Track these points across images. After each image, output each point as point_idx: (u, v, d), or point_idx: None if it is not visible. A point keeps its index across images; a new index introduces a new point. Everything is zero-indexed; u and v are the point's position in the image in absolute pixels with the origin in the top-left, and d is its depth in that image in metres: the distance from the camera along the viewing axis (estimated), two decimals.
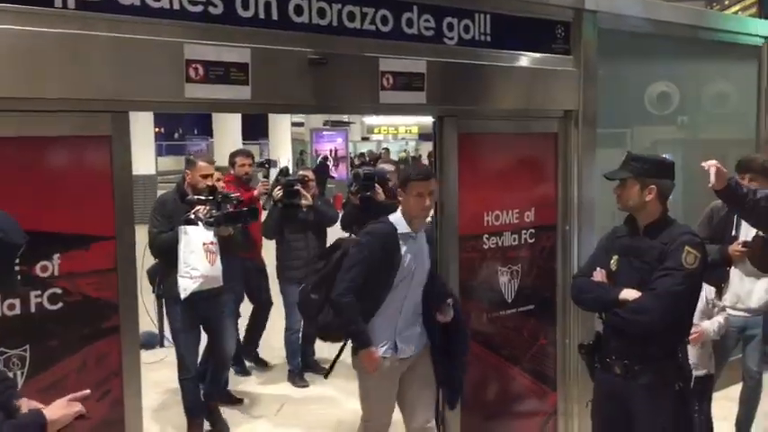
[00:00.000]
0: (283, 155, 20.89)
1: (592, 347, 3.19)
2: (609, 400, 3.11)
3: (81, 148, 2.71)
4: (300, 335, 5.65)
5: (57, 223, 2.64)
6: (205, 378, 4.70)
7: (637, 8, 4.43)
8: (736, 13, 8.11)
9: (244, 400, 5.23)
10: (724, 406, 4.27)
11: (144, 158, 15.08)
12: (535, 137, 4.09)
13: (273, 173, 7.07)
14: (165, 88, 2.81)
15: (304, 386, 5.54)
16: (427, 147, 24.39)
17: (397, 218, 3.36)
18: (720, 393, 4.27)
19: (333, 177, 20.92)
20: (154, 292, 4.38)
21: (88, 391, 2.26)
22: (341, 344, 3.51)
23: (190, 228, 4.15)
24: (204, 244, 4.16)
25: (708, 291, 3.69)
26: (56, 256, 2.65)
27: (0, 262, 2.09)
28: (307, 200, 5.33)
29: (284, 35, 3.07)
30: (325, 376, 3.74)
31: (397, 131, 30.19)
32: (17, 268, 2.43)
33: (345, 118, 25.08)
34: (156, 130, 20.99)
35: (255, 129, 23.34)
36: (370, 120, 28.97)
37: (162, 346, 4.59)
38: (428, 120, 3.80)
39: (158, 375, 5.08)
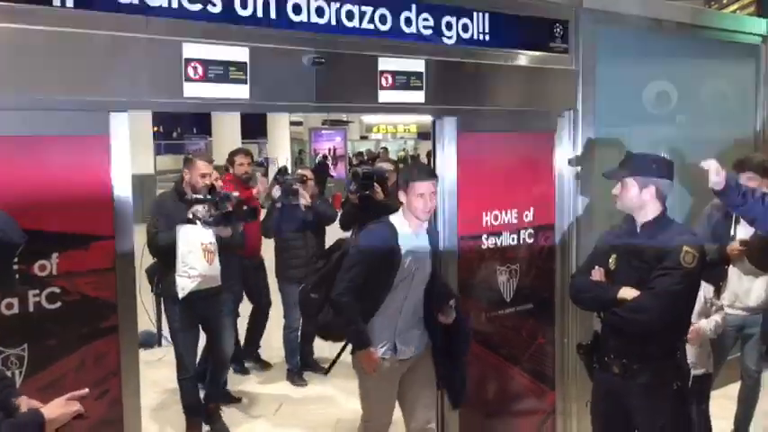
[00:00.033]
0: (282, 154, 20.90)
1: (590, 347, 3.19)
2: (607, 400, 3.12)
3: (79, 148, 2.70)
4: (299, 334, 5.65)
5: (55, 222, 2.64)
6: (204, 377, 4.71)
7: (635, 7, 4.43)
8: (734, 11, 8.11)
9: (242, 400, 5.23)
10: (722, 405, 4.28)
11: (142, 158, 15.08)
12: (533, 136, 4.09)
13: (272, 171, 7.07)
14: (163, 87, 2.81)
15: (303, 385, 5.54)
16: (426, 146, 24.38)
17: (397, 218, 3.35)
18: (719, 392, 4.27)
19: (332, 176, 20.93)
20: (152, 291, 4.39)
21: (86, 390, 2.26)
22: (342, 343, 3.51)
23: (188, 227, 4.15)
24: (202, 243, 4.16)
25: (706, 290, 3.69)
26: (54, 255, 2.65)
27: None
28: (305, 199, 5.32)
29: (283, 34, 3.07)
30: (326, 372, 3.74)
31: (396, 130, 30.17)
32: (15, 267, 2.43)
33: (344, 117, 25.07)
34: (155, 129, 21.00)
35: (254, 128, 23.35)
36: (369, 119, 28.95)
37: (160, 345, 4.58)
38: (427, 119, 3.80)
39: (157, 375, 5.08)
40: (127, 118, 2.78)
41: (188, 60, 2.82)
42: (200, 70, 2.85)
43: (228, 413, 4.84)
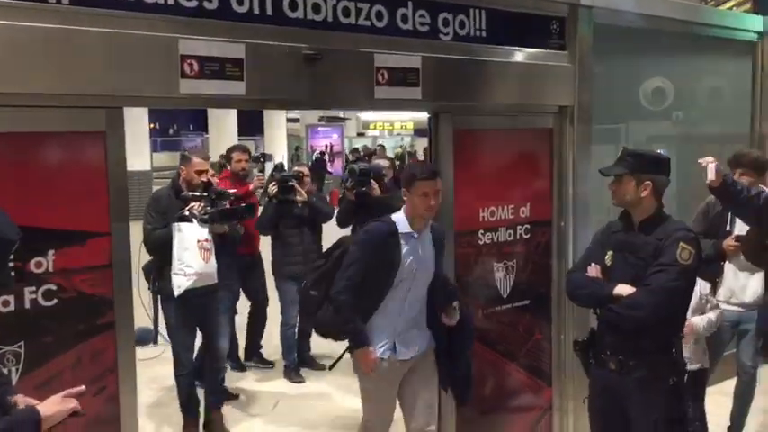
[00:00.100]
0: (278, 151, 20.87)
1: (586, 343, 3.19)
2: (604, 396, 3.12)
3: (75, 144, 2.70)
4: (296, 330, 5.65)
5: (51, 219, 2.64)
6: (200, 374, 4.67)
7: (632, 3, 4.44)
8: (730, 8, 8.11)
9: (239, 396, 5.23)
10: (718, 400, 4.29)
11: (139, 154, 15.07)
12: (530, 132, 4.09)
13: (269, 167, 7.07)
14: (159, 84, 2.80)
15: (300, 382, 5.54)
16: (422, 143, 24.35)
17: (399, 217, 3.30)
18: (715, 388, 4.28)
19: (330, 173, 20.94)
20: (149, 288, 4.38)
21: (83, 387, 2.26)
22: (347, 341, 3.48)
23: (184, 225, 4.13)
24: (198, 241, 4.14)
25: (702, 287, 3.70)
26: (50, 252, 2.64)
27: None
28: (301, 196, 5.32)
29: (279, 30, 3.07)
30: (330, 368, 3.70)
31: (393, 127, 30.15)
32: (11, 264, 2.43)
33: (341, 114, 25.06)
34: (151, 125, 20.95)
35: (251, 125, 23.32)
36: (366, 115, 28.92)
37: (156, 342, 4.58)
38: (423, 116, 3.80)
39: (155, 372, 5.07)
40: (123, 114, 2.77)
41: (184, 57, 2.81)
42: (195, 67, 2.83)
43: (226, 410, 4.83)
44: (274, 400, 5.21)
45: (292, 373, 5.60)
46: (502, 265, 3.99)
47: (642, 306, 2.85)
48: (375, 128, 30.00)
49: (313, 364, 5.77)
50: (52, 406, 2.13)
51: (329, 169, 21.68)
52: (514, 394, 4.13)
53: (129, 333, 2.87)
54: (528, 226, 4.08)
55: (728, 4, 8.18)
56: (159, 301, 4.39)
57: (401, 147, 27.43)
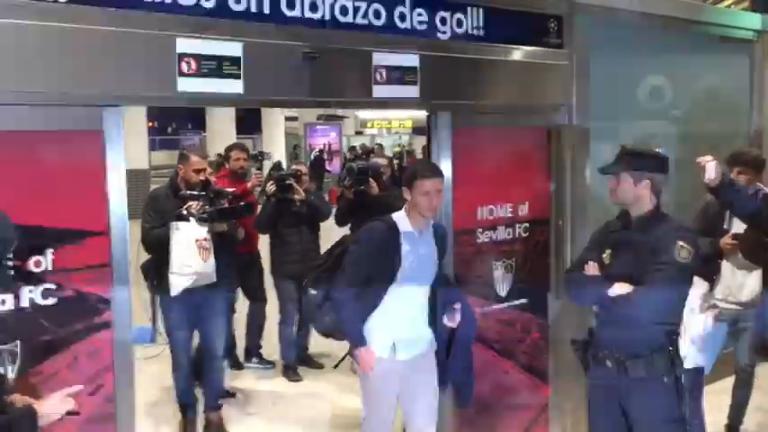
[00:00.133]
0: (277, 149, 20.87)
1: (584, 342, 3.20)
2: (602, 395, 3.12)
3: (73, 143, 2.69)
4: (295, 329, 5.65)
5: (49, 218, 2.63)
6: (197, 374, 4.65)
7: (629, 2, 4.44)
8: (728, 6, 8.11)
9: (237, 395, 5.23)
10: (716, 399, 4.29)
11: (137, 153, 15.06)
12: (528, 131, 4.10)
13: (267, 165, 7.06)
14: (157, 82, 2.80)
15: (298, 380, 5.54)
16: (421, 141, 24.37)
17: (400, 215, 3.27)
18: (712, 386, 4.28)
19: (329, 171, 20.95)
20: (148, 287, 4.37)
21: (80, 386, 2.26)
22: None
23: (182, 224, 4.11)
24: (197, 240, 4.12)
25: (699, 286, 3.70)
26: (49, 251, 2.64)
27: None
28: (299, 194, 5.32)
29: (277, 29, 3.06)
30: (335, 367, 3.69)
31: (391, 126, 30.15)
32: (10, 264, 2.42)
33: (339, 112, 25.05)
34: (150, 124, 20.92)
35: (249, 123, 23.32)
36: (364, 114, 28.92)
37: (153, 341, 4.57)
38: (422, 114, 3.80)
39: (154, 371, 5.07)
40: (121, 113, 2.77)
41: (181, 55, 2.81)
42: (193, 65, 2.84)
43: (223, 409, 4.83)
44: (272, 399, 5.21)
45: (290, 372, 5.59)
46: (500, 264, 3.99)
47: (640, 305, 2.85)
48: (373, 126, 30.00)
49: (311, 362, 5.77)
50: (49, 405, 2.14)
51: (327, 168, 21.68)
52: (512, 393, 4.13)
53: (126, 332, 2.86)
54: (526, 224, 4.08)
55: (726, 2, 8.19)
56: (158, 300, 4.38)
57: (400, 145, 27.43)
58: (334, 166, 22.19)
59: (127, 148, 2.88)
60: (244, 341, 5.85)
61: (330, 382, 5.40)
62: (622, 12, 4.39)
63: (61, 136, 2.65)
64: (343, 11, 3.25)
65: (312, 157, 21.92)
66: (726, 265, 4.13)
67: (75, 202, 2.69)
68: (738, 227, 3.96)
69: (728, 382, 4.38)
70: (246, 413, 4.98)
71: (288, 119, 23.86)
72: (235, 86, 2.95)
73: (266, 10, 3.04)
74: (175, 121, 36.07)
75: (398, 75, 3.41)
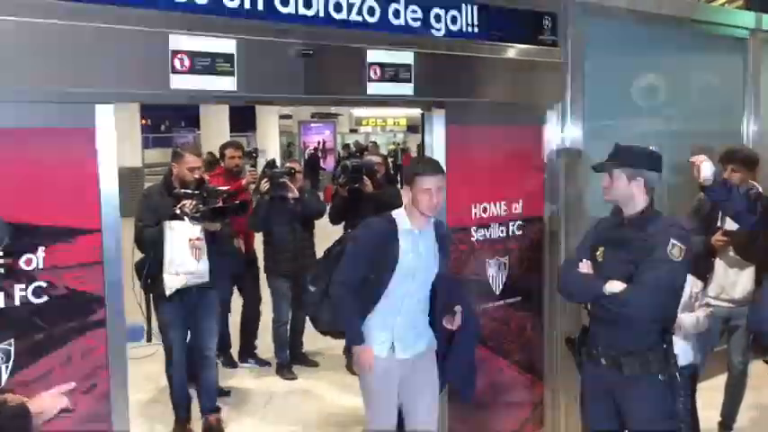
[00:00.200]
0: (271, 147, 20.84)
1: (578, 339, 3.20)
2: (596, 392, 3.13)
3: (66, 140, 2.68)
4: (289, 327, 5.64)
5: (41, 216, 2.62)
6: (191, 376, 4.63)
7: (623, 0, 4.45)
8: (722, 5, 8.14)
9: (230, 393, 5.22)
10: (709, 396, 4.31)
11: (130, 151, 15.02)
12: (523, 129, 4.10)
13: (261, 162, 7.04)
14: (150, 79, 2.79)
15: (292, 379, 5.53)
16: (415, 139, 24.40)
17: (399, 213, 3.24)
18: (706, 384, 4.30)
19: (324, 169, 20.95)
20: (141, 286, 4.34)
21: (73, 383, 2.25)
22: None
23: (175, 223, 4.09)
24: (190, 240, 4.10)
25: (693, 284, 3.71)
26: (40, 249, 2.63)
27: None
28: (293, 192, 5.31)
29: (270, 26, 3.05)
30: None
31: (386, 123, 30.17)
32: (1, 262, 2.41)
33: (333, 110, 25.05)
34: (143, 121, 20.88)
35: (243, 121, 23.25)
36: (359, 112, 28.93)
37: (149, 341, 4.55)
38: (416, 112, 3.79)
39: (149, 370, 5.05)
40: (113, 110, 2.76)
41: (174, 52, 2.79)
42: (186, 62, 2.82)
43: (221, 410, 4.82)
44: (266, 398, 5.20)
45: (285, 371, 5.59)
46: (494, 262, 4.00)
47: (633, 302, 2.86)
48: (368, 124, 30.03)
49: (305, 361, 5.77)
50: (42, 403, 2.13)
51: (322, 165, 21.69)
52: (507, 390, 4.13)
53: (120, 330, 2.86)
54: (520, 222, 4.09)
55: (720, 0, 8.21)
56: (151, 299, 4.37)
57: (394, 143, 27.45)
58: (328, 163, 22.19)
59: (120, 146, 2.87)
60: (238, 340, 5.84)
61: (324, 380, 5.40)
62: (616, 9, 4.40)
63: (53, 133, 2.64)
64: (338, 8, 3.25)
65: (307, 155, 21.92)
66: (719, 263, 4.15)
67: (66, 199, 2.67)
68: (731, 224, 3.97)
69: (722, 380, 4.39)
70: (241, 412, 4.97)
71: (282, 116, 23.83)
72: (228, 84, 2.94)
73: (260, 6, 3.03)
74: (169, 119, 35.97)
75: (393, 72, 3.40)
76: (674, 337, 3.16)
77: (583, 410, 3.27)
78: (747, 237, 3.82)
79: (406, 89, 3.47)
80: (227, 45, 2.92)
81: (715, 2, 8.35)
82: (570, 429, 4.26)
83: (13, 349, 2.60)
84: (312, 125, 24.22)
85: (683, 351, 3.68)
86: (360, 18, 3.32)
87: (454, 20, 3.65)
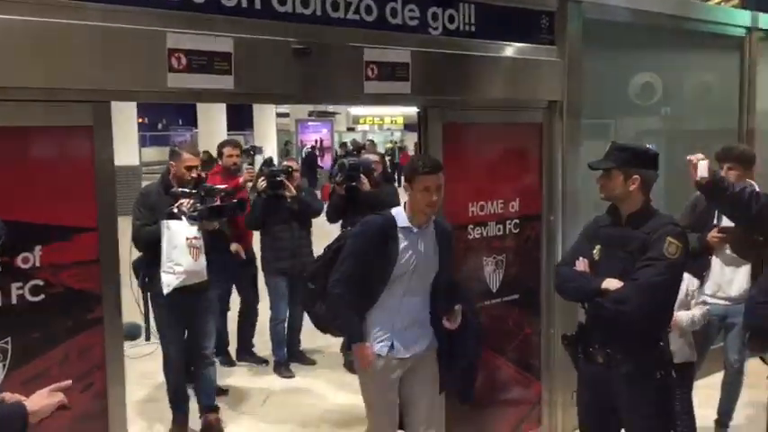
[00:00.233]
0: (268, 145, 20.81)
1: (575, 337, 3.20)
2: (592, 390, 3.14)
3: (62, 139, 2.68)
4: (286, 325, 5.64)
5: (38, 214, 2.62)
6: (187, 371, 4.63)
7: None
8: (719, 3, 8.15)
9: (228, 392, 5.21)
10: (706, 394, 4.32)
11: (127, 149, 14.99)
12: (520, 127, 4.10)
13: (259, 160, 7.03)
14: (147, 78, 2.79)
15: (290, 377, 5.53)
16: (412, 137, 24.37)
17: (398, 211, 3.23)
18: (702, 381, 4.31)
19: (321, 168, 20.93)
20: (139, 285, 4.34)
21: (69, 381, 2.25)
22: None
23: (172, 222, 4.07)
24: (187, 239, 4.08)
25: (690, 282, 3.72)
26: (37, 247, 2.63)
27: None
28: (290, 191, 5.31)
29: (268, 24, 3.05)
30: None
31: (383, 122, 30.17)
32: None
33: (330, 109, 25.02)
34: (140, 120, 20.83)
35: (241, 119, 23.26)
36: (356, 110, 28.92)
37: (148, 339, 4.54)
38: (413, 111, 3.79)
39: (147, 368, 5.04)
40: (110, 108, 2.75)
41: (171, 51, 2.79)
42: (183, 60, 2.82)
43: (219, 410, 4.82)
44: (264, 396, 5.20)
45: (282, 369, 5.59)
46: (491, 260, 4.00)
47: (629, 300, 2.86)
48: (365, 123, 30.03)
49: (303, 359, 5.77)
50: (39, 400, 2.13)
51: (320, 164, 21.67)
52: (504, 388, 4.14)
53: (117, 328, 2.86)
54: (517, 220, 4.09)
55: None
56: (149, 298, 4.36)
57: (392, 141, 27.43)
58: (325, 162, 22.17)
59: (117, 145, 2.87)
60: (236, 338, 5.84)
61: (322, 378, 5.40)
62: (613, 8, 4.40)
63: (50, 132, 2.64)
64: (335, 6, 3.25)
65: (304, 153, 21.90)
66: (715, 261, 4.15)
67: (63, 198, 2.67)
68: (727, 222, 3.97)
69: (718, 378, 4.40)
70: (238, 410, 4.97)
71: (279, 115, 23.80)
72: (225, 82, 2.94)
73: (257, 5, 3.03)
74: (166, 118, 35.94)
75: (390, 70, 3.40)
76: (670, 335, 3.17)
77: (579, 408, 3.27)
78: (743, 234, 3.82)
79: (403, 87, 3.47)
80: (224, 43, 2.91)
81: (712, 1, 8.36)
82: (567, 427, 4.27)
83: (10, 347, 2.60)
84: (309, 123, 24.20)
85: (680, 349, 3.69)
86: (357, 17, 3.33)
87: (451, 19, 3.65)
